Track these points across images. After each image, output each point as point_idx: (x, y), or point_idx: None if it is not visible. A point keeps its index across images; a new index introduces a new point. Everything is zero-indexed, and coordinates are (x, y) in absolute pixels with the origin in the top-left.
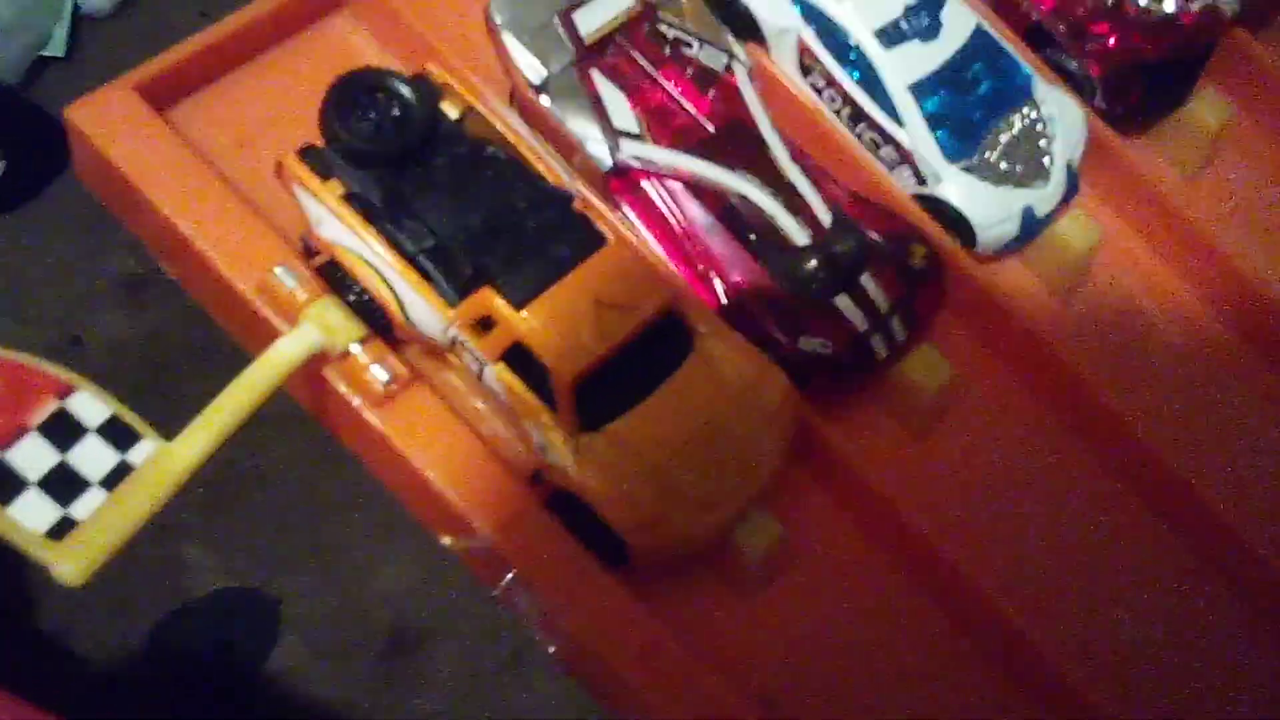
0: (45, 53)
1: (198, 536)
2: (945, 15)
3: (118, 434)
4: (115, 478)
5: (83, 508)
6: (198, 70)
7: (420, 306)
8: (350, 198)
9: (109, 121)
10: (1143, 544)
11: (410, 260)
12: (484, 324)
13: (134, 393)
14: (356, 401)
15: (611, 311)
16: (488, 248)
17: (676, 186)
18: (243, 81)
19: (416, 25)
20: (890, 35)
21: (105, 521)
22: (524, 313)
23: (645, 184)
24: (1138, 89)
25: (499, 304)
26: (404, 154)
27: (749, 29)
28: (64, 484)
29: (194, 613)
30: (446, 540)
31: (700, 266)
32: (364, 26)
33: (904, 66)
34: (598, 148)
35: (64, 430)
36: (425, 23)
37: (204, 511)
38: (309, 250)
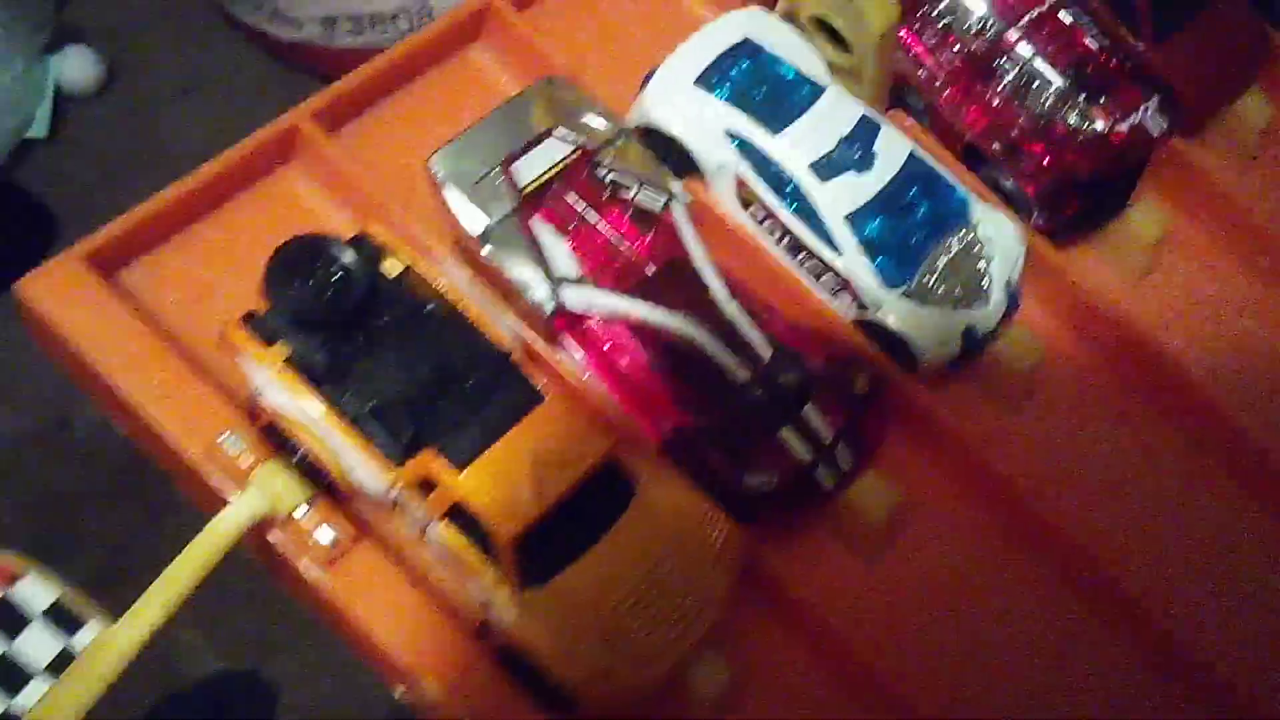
0: (28, 135)
1: (190, 619)
2: (879, 145)
3: (62, 619)
4: (60, 665)
5: (26, 699)
6: (149, 233)
7: (363, 469)
8: (292, 361)
9: (58, 293)
10: (1101, 658)
11: (353, 422)
12: (425, 485)
13: (119, 473)
14: (302, 564)
15: (550, 469)
16: (429, 409)
17: (619, 326)
18: (194, 239)
19: (361, 178)
20: (825, 168)
21: (49, 713)
22: (464, 474)
23: (590, 324)
24: (1073, 203)
25: (440, 467)
26: (346, 317)
27: (688, 165)
28: (7, 675)
29: (189, 698)
30: (398, 691)
31: (645, 403)
32: (310, 178)
33: (840, 197)
34: (539, 293)
35: (8, 620)
36: (370, 175)
37: (196, 597)
38: (256, 410)
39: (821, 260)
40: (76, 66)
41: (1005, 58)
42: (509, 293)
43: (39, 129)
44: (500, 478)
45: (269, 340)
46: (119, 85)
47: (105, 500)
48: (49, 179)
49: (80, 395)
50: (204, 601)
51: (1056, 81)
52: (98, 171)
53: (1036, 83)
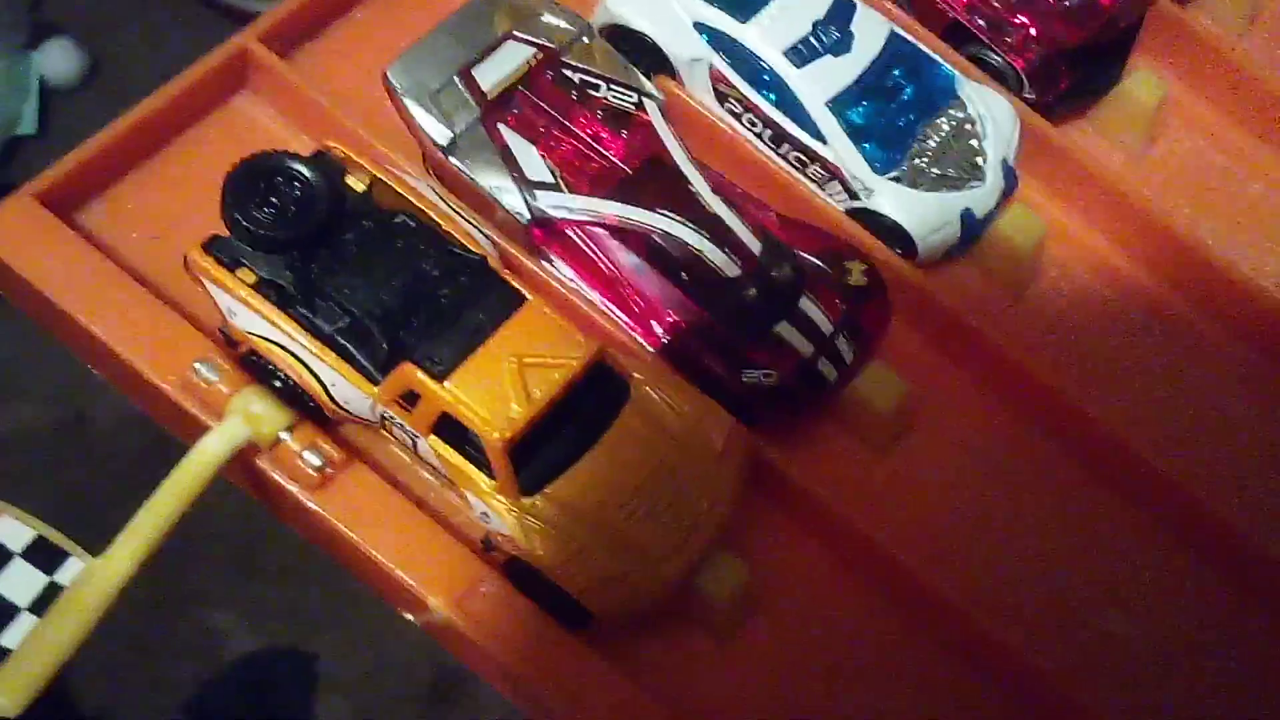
0: (18, 132)
1: (225, 602)
2: (856, 26)
3: (44, 555)
4: (45, 600)
5: (12, 636)
6: (101, 171)
7: (345, 387)
8: (261, 285)
9: (13, 235)
10: (1122, 538)
11: (328, 342)
12: (410, 398)
13: (137, 467)
14: (293, 488)
15: (537, 371)
16: (404, 321)
17: (601, 231)
18: (150, 174)
19: (319, 98)
20: (800, 54)
21: (37, 649)
22: (447, 384)
23: (570, 231)
24: (1065, 76)
25: (421, 378)
26: (310, 234)
27: (660, 63)
28: None
29: (230, 681)
30: (409, 616)
31: (637, 309)
32: (267, 104)
33: (818, 83)
34: (513, 201)
35: None
36: (328, 95)
37: (228, 576)
38: (230, 341)
39: (806, 150)
40: (60, 60)
41: None
42: (483, 204)
43: (28, 126)
44: (485, 384)
45: (234, 265)
46: (104, 76)
47: (125, 494)
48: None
49: (96, 390)
50: (238, 582)
51: None
52: None
53: None
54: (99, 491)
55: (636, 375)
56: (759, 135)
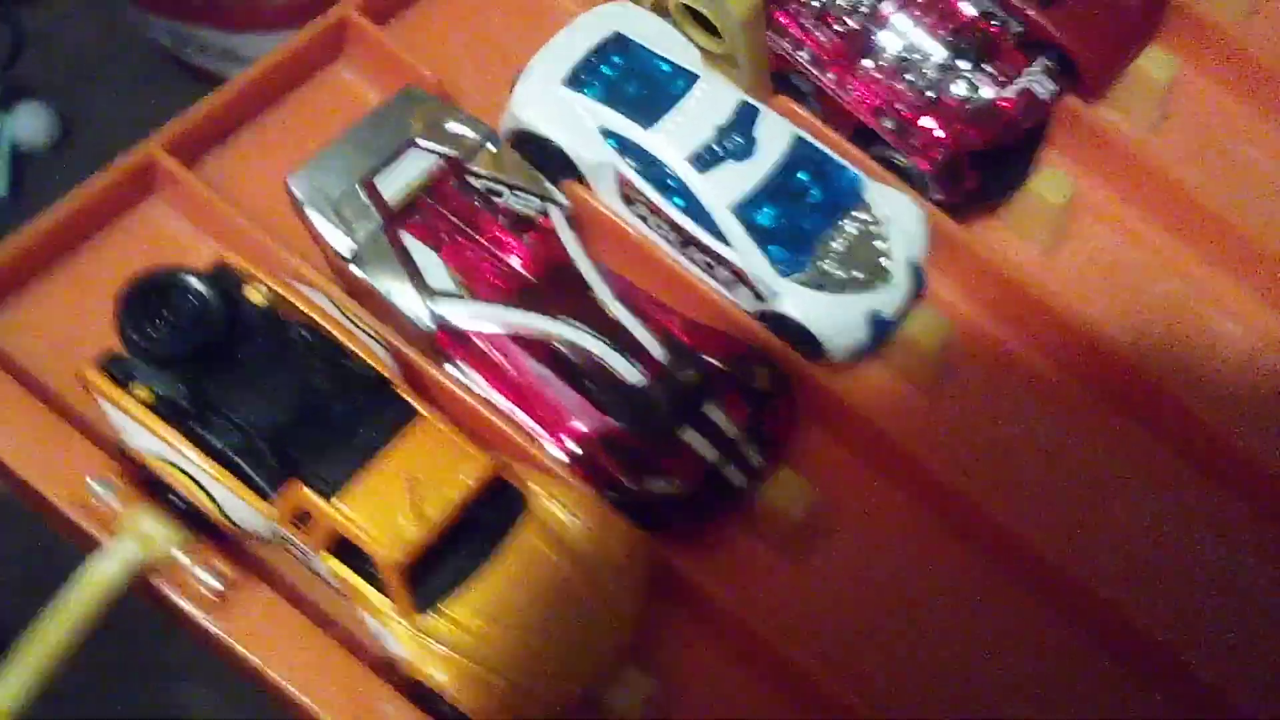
0: None
1: (192, 674)
2: (759, 131)
3: None
4: None
5: None
6: (6, 278)
7: (238, 506)
8: (155, 402)
9: None
10: (1032, 635)
11: (220, 459)
12: (302, 517)
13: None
14: (189, 608)
15: (431, 489)
16: (295, 438)
17: (505, 338)
18: (56, 282)
19: (225, 207)
20: (704, 159)
21: None
22: (336, 503)
23: (475, 338)
24: (971, 177)
25: (310, 496)
26: (205, 350)
27: (567, 168)
28: None
29: None
30: None
31: (543, 416)
32: (175, 211)
33: (722, 188)
34: (416, 309)
35: None
36: (236, 202)
37: (197, 649)
38: (125, 454)
39: (713, 254)
40: (30, 123)
41: (883, 33)
42: (387, 313)
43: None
44: (377, 503)
45: (127, 381)
46: (75, 137)
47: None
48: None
49: None
50: (205, 655)
51: (938, 52)
52: None
53: (917, 55)
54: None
55: (535, 487)
56: (667, 239)
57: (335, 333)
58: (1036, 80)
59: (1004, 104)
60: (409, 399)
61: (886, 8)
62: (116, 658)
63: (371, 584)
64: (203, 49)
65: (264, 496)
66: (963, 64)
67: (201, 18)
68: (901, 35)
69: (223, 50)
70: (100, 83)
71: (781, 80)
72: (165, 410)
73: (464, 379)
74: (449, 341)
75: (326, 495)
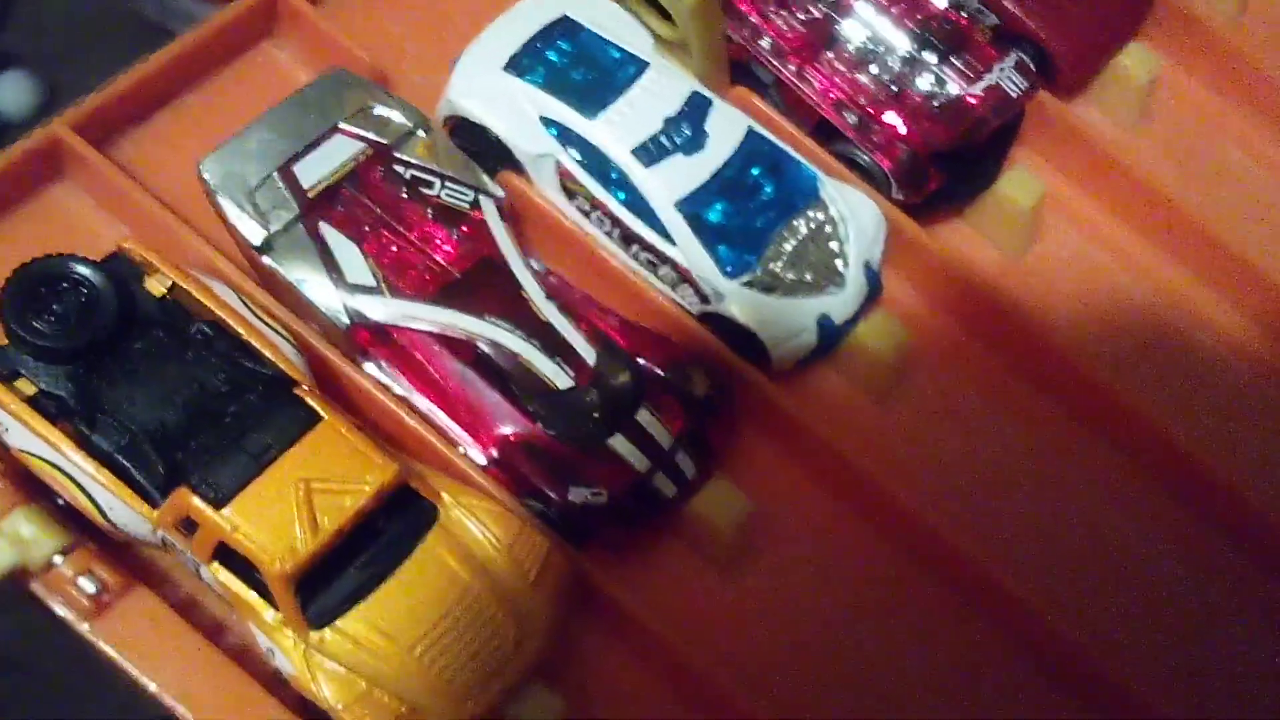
0: None
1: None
2: (710, 124)
3: None
4: None
5: None
6: None
7: (122, 510)
8: (39, 397)
9: None
10: (975, 656)
11: (105, 461)
12: (189, 525)
13: None
14: (67, 615)
15: (327, 497)
16: (184, 441)
17: (427, 337)
18: None
19: (136, 191)
20: (650, 152)
21: None
22: (225, 511)
23: (396, 336)
24: (934, 176)
25: (196, 504)
26: (94, 345)
27: (505, 158)
28: None
29: None
30: None
31: (465, 419)
32: (85, 195)
33: (668, 183)
34: (331, 304)
35: None
36: (148, 185)
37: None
38: (2, 453)
39: (656, 251)
40: (14, 93)
41: (847, 21)
42: (302, 307)
43: None
44: (268, 512)
45: (12, 376)
46: (61, 107)
47: None
48: None
49: None
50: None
51: (903, 44)
52: None
53: (882, 47)
54: None
55: (447, 498)
56: (609, 234)
57: (239, 329)
58: (1007, 76)
59: (972, 100)
60: (312, 402)
61: None
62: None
63: (263, 596)
64: (189, 20)
65: (150, 502)
66: (929, 57)
67: None
68: (866, 25)
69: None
70: (86, 53)
71: (742, 70)
72: (48, 408)
73: (383, 378)
74: (369, 339)
75: (215, 503)
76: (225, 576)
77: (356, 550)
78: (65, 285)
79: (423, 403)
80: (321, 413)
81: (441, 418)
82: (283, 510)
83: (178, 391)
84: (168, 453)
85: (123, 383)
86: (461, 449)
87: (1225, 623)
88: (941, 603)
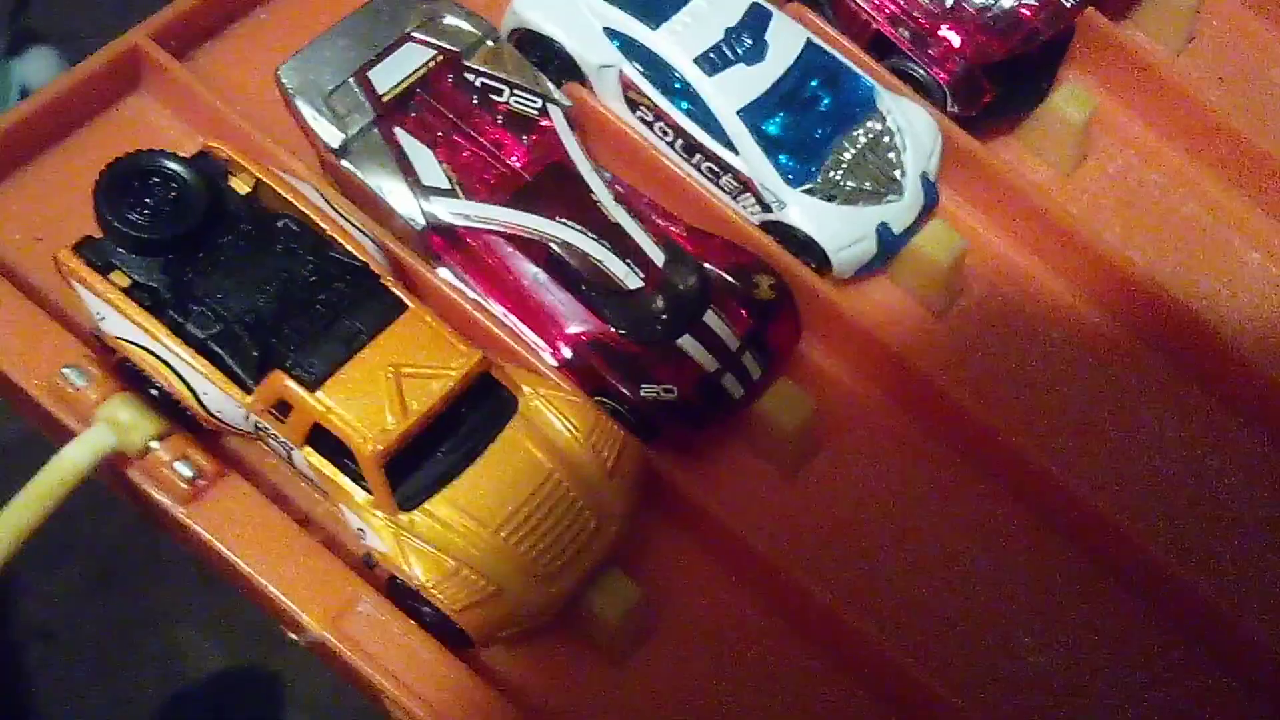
0: None
1: (191, 618)
2: (771, 35)
3: None
4: None
5: None
6: None
7: (217, 396)
8: (133, 289)
9: None
10: (1042, 564)
11: (199, 348)
12: (282, 408)
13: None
14: (163, 499)
15: (415, 382)
16: (278, 328)
17: (500, 239)
18: (36, 175)
19: (212, 98)
20: (712, 62)
21: None
22: (319, 394)
23: (469, 239)
24: (990, 90)
25: (291, 387)
26: (185, 237)
27: (569, 69)
28: None
29: (195, 698)
30: (292, 635)
31: (537, 320)
32: (161, 104)
33: (730, 92)
34: (407, 207)
35: None
36: (225, 95)
37: (195, 593)
38: (105, 346)
39: (719, 161)
40: (41, 69)
41: None
42: (378, 210)
43: None
44: (359, 395)
45: (107, 268)
46: None
47: (99, 506)
48: None
49: None
50: (203, 599)
51: None
52: None
53: None
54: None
55: (526, 389)
56: (671, 144)
57: (323, 224)
58: None
59: (1025, 12)
60: (398, 291)
61: None
62: (116, 607)
63: (353, 479)
64: None
65: (244, 387)
66: None
67: None
68: None
69: None
70: (110, 29)
71: None
72: (144, 297)
73: (457, 282)
74: (442, 244)
75: (309, 386)
76: (318, 460)
77: (442, 437)
78: (156, 180)
79: (496, 307)
80: (408, 301)
81: (513, 320)
82: (373, 393)
83: (268, 281)
84: (260, 339)
85: (214, 274)
86: (533, 349)
87: None
88: (996, 499)
